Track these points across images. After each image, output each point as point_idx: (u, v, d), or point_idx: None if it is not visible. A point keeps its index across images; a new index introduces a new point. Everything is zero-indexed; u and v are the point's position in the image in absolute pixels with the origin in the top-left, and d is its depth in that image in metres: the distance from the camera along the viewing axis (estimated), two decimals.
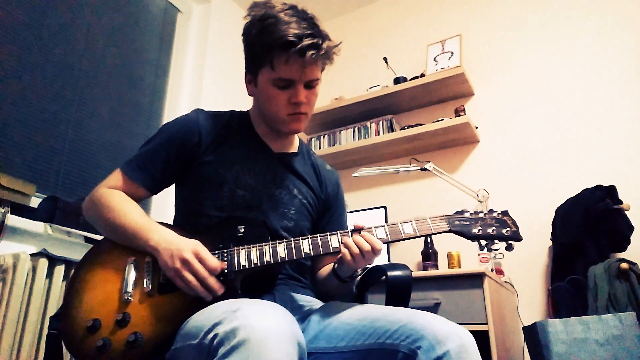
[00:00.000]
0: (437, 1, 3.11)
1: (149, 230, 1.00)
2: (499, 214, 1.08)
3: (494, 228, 1.05)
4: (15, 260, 1.62)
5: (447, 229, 1.04)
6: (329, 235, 1.02)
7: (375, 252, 1.00)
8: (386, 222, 2.57)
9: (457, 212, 1.08)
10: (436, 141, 2.70)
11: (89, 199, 1.12)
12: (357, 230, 1.03)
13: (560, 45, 2.61)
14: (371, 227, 1.03)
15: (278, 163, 1.20)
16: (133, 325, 0.92)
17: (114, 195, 1.09)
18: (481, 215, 1.07)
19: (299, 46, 1.02)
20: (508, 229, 1.05)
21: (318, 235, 1.02)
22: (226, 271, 0.96)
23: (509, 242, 1.05)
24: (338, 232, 1.03)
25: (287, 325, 0.77)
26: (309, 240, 1.01)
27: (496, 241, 1.05)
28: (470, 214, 1.07)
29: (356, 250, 0.99)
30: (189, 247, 0.94)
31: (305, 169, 1.25)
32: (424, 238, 2.44)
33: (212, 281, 0.92)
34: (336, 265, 1.10)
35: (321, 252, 1.00)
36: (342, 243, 1.01)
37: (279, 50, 1.04)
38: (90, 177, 2.23)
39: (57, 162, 2.10)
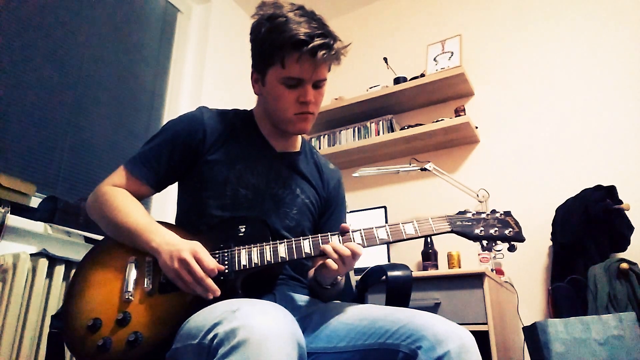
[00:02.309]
0: (437, 1, 3.12)
1: (151, 232, 1.00)
2: (501, 214, 1.07)
3: (496, 229, 1.04)
4: (15, 260, 1.62)
5: (449, 229, 1.03)
6: (329, 236, 1.01)
7: (355, 257, 0.98)
8: (386, 222, 2.57)
9: (459, 213, 1.07)
10: (436, 141, 2.70)
11: (92, 197, 1.12)
12: (344, 232, 1.02)
13: (560, 45, 2.61)
14: (372, 228, 1.03)
15: (281, 163, 1.20)
16: (133, 324, 0.92)
17: (117, 194, 1.09)
18: (483, 215, 1.06)
19: (310, 45, 1.02)
20: (510, 229, 1.04)
21: (319, 235, 1.02)
22: (226, 271, 0.96)
23: (512, 242, 1.04)
24: (339, 233, 1.02)
25: (287, 325, 0.77)
26: (309, 241, 1.01)
27: (498, 242, 1.04)
28: (473, 214, 1.06)
29: (335, 256, 0.97)
30: (188, 248, 0.94)
31: (308, 168, 1.25)
32: (424, 238, 2.43)
33: (209, 282, 0.92)
34: (315, 272, 1.09)
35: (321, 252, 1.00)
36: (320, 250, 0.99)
37: (290, 49, 1.03)
38: (90, 177, 2.23)
39: (57, 162, 2.11)
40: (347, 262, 0.97)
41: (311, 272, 1.19)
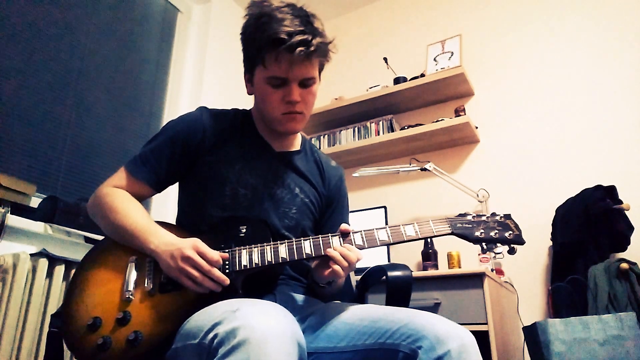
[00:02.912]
0: (437, 1, 3.12)
1: (149, 234, 1.00)
2: (501, 217, 1.08)
3: (496, 231, 1.05)
4: (15, 260, 1.62)
5: (449, 231, 1.04)
6: (330, 237, 1.02)
7: (357, 261, 0.99)
8: (386, 222, 2.57)
9: (460, 215, 1.08)
10: (436, 141, 2.70)
11: (93, 198, 1.12)
12: (345, 234, 1.02)
13: (560, 44, 2.61)
14: (373, 229, 1.03)
15: (279, 162, 1.19)
16: (133, 324, 0.92)
17: (117, 195, 1.09)
18: (484, 218, 1.07)
19: (288, 43, 1.01)
20: (510, 232, 1.05)
21: (320, 236, 1.02)
22: (227, 270, 0.97)
23: (512, 245, 1.05)
24: (339, 234, 1.02)
25: (287, 325, 0.77)
26: (310, 241, 1.01)
27: (498, 244, 1.05)
28: (473, 216, 1.07)
29: (345, 263, 0.97)
30: (189, 245, 0.95)
31: (308, 167, 1.24)
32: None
33: (217, 273, 0.93)
34: (313, 270, 1.09)
35: (322, 254, 1.00)
36: (328, 255, 0.99)
37: (269, 47, 1.04)
38: (90, 177, 2.23)
39: (57, 162, 2.10)
40: (351, 267, 0.99)
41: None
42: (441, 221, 1.05)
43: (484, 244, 1.05)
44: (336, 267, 0.98)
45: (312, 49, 1.04)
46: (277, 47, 1.03)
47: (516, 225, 1.07)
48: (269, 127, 1.19)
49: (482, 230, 1.05)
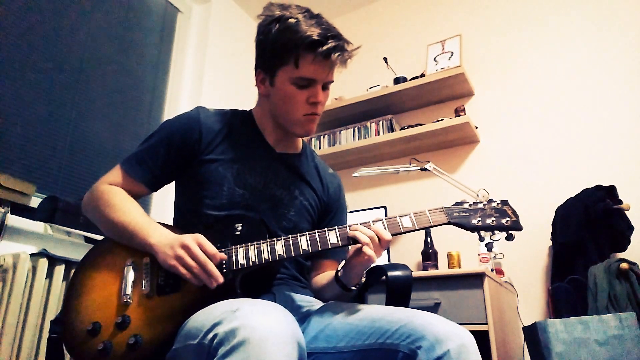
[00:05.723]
0: (437, 1, 3.11)
1: (149, 229, 1.00)
2: (498, 203, 1.06)
3: (493, 218, 1.03)
4: (15, 260, 1.62)
5: (446, 220, 1.03)
6: (327, 231, 1.01)
7: (381, 243, 0.98)
8: None
9: (456, 203, 1.06)
10: (436, 141, 2.70)
11: (89, 195, 1.12)
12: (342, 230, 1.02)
13: (560, 45, 2.61)
14: (369, 222, 1.02)
15: (280, 163, 1.19)
16: (133, 327, 0.92)
17: (115, 193, 1.09)
18: (480, 205, 1.05)
19: (325, 47, 1.03)
20: (508, 218, 1.04)
21: (316, 231, 1.01)
22: (224, 270, 0.96)
23: (510, 232, 1.04)
24: (336, 227, 1.01)
25: (287, 325, 0.77)
26: (307, 237, 1.00)
27: (496, 231, 1.04)
28: (470, 204, 1.05)
29: (371, 234, 0.97)
30: (190, 236, 0.95)
31: (308, 171, 1.24)
32: (424, 238, 2.44)
33: (212, 267, 0.92)
34: (339, 273, 1.08)
35: (319, 249, 0.99)
36: (359, 230, 0.99)
37: (305, 49, 1.04)
38: (90, 177, 2.23)
39: (57, 162, 2.10)
40: (375, 247, 0.98)
41: (324, 275, 1.18)
42: (438, 211, 1.04)
43: (481, 231, 1.04)
44: (364, 248, 0.97)
45: (345, 55, 1.07)
46: (314, 50, 1.03)
47: (514, 211, 1.05)
48: (276, 128, 1.18)
49: (479, 218, 1.03)
